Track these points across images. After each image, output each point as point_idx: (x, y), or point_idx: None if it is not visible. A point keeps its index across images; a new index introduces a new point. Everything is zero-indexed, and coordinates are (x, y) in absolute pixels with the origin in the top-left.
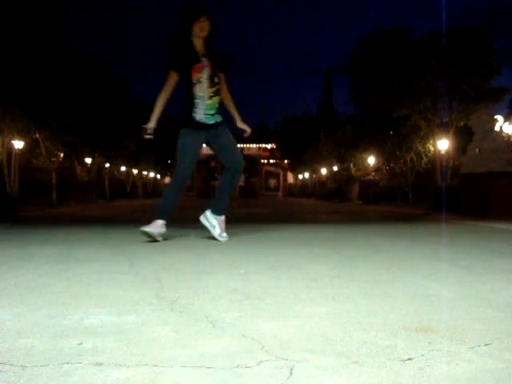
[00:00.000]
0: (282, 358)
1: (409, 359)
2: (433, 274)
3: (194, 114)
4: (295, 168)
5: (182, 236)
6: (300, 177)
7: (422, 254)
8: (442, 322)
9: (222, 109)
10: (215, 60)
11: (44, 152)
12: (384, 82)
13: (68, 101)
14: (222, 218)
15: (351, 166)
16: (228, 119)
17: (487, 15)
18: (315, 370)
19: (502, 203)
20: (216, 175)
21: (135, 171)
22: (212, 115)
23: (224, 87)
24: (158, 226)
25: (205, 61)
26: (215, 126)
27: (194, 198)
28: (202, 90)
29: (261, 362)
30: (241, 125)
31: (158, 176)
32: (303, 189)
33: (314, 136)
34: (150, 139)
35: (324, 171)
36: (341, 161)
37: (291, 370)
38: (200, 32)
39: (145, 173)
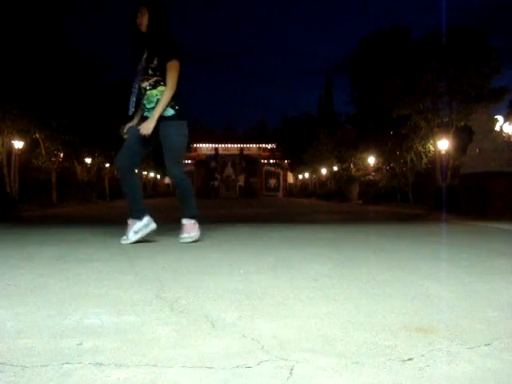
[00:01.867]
0: (282, 358)
1: (409, 359)
2: (433, 274)
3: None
4: (295, 168)
5: None
6: (300, 177)
7: (423, 254)
8: (442, 321)
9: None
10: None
11: (44, 152)
12: (384, 82)
13: (68, 100)
14: (192, 221)
15: (351, 166)
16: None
17: (487, 15)
18: (315, 370)
19: (502, 203)
20: (216, 175)
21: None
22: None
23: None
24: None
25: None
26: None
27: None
28: None
29: (261, 362)
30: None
31: (158, 176)
32: (303, 189)
33: (314, 136)
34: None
35: (324, 171)
36: (341, 161)
37: (291, 370)
38: None
39: (145, 173)
